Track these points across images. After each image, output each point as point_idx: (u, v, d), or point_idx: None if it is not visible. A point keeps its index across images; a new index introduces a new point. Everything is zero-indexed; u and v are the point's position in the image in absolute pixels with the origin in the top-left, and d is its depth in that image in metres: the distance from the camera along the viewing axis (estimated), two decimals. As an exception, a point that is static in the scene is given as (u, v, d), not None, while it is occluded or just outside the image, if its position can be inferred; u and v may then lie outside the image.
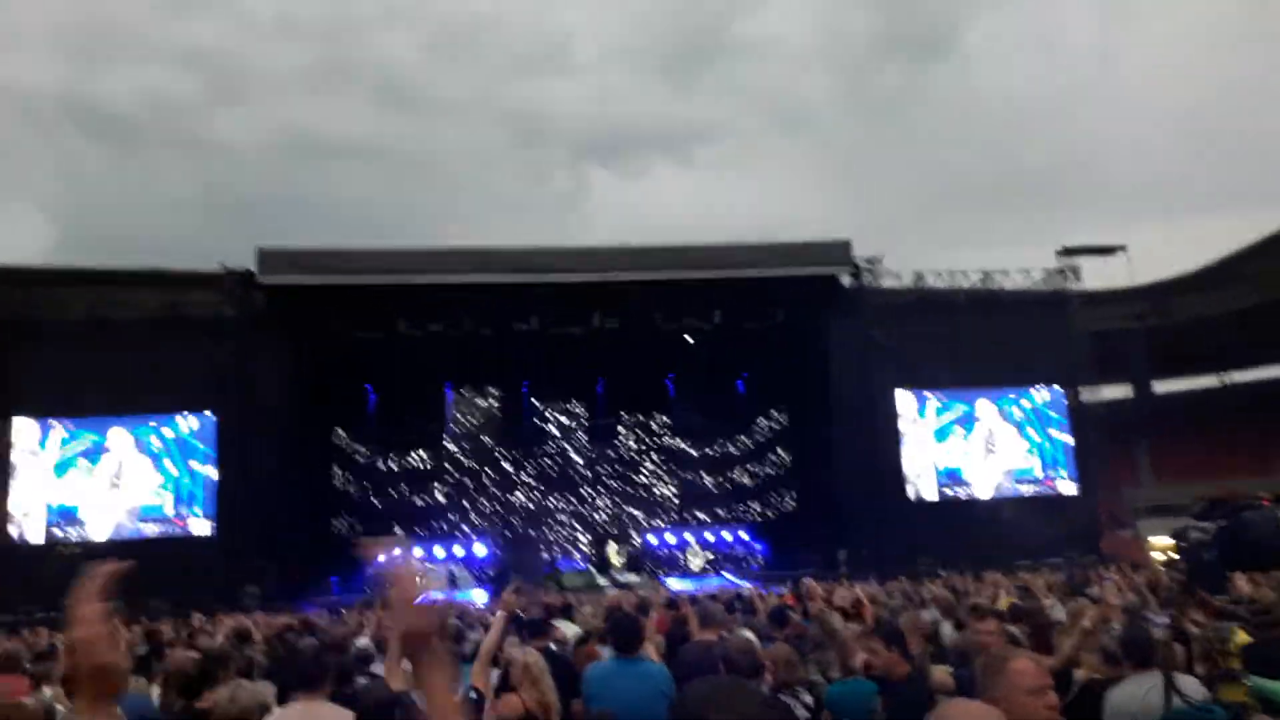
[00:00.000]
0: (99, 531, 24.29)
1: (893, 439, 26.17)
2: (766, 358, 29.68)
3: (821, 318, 26.07)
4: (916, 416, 26.86)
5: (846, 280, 26.17)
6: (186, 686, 5.10)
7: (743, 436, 36.27)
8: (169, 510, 24.69)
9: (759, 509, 34.35)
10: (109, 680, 1.45)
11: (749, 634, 6.79)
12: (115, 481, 24.68)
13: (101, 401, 24.35)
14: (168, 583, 22.03)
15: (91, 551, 23.88)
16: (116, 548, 23.94)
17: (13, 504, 24.01)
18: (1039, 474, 27.43)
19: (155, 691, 5.83)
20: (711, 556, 30.48)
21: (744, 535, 32.58)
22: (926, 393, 26.97)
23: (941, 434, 27.05)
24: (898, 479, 26.12)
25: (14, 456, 24.20)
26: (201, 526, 24.41)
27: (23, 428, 24.37)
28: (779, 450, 32.51)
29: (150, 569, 22.82)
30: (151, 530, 24.52)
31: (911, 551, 23.62)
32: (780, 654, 5.25)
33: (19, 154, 64.14)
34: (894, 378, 26.00)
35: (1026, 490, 27.12)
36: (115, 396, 24.33)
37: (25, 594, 22.32)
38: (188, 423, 24.95)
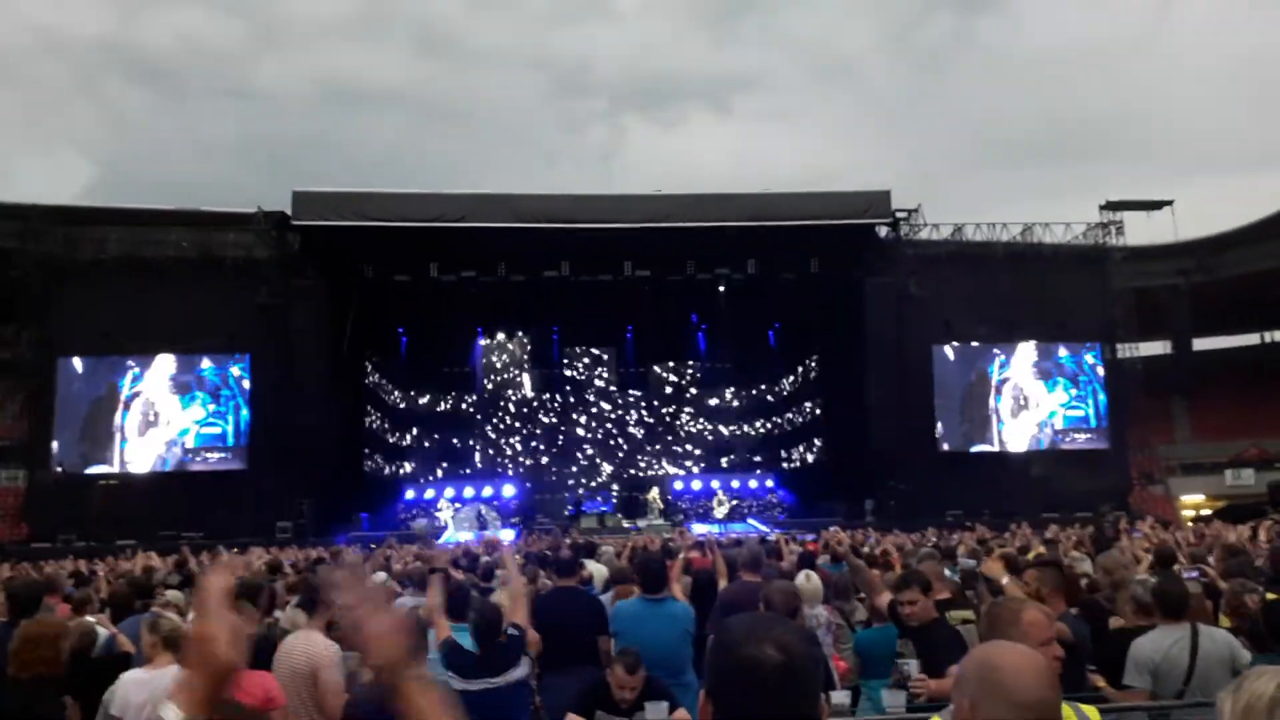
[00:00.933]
0: (137, 465, 24.94)
1: (925, 391, 26.09)
2: (800, 308, 29.52)
3: (857, 269, 25.89)
4: (950, 369, 26.76)
5: (884, 231, 25.94)
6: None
7: (773, 386, 36.29)
8: (204, 447, 25.28)
9: (787, 458, 34.50)
10: (225, 679, 1.43)
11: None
12: (152, 418, 25.26)
13: (139, 339, 24.83)
14: (202, 517, 22.77)
15: (129, 485, 24.64)
16: (154, 482, 24.67)
17: (55, 439, 24.70)
18: (1072, 429, 27.28)
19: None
20: (736, 503, 30.76)
21: (771, 484, 32.79)
22: (961, 345, 26.83)
23: (974, 387, 26.93)
24: (928, 431, 26.12)
25: (56, 392, 24.83)
26: (236, 463, 24.96)
27: (64, 365, 24.96)
28: (809, 401, 32.55)
29: (185, 503, 23.59)
30: (187, 466, 25.13)
31: (940, 504, 23.66)
32: (780, 593, 5.13)
33: (63, 98, 64.56)
34: (929, 330, 25.88)
35: (1059, 445, 27.02)
36: (152, 335, 24.79)
37: (66, 524, 23.14)
38: (223, 362, 25.39)
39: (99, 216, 26.89)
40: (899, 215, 25.69)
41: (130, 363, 25.18)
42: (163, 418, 25.30)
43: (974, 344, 26.93)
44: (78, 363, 25.00)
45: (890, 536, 14.67)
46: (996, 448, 26.90)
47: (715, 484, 30.98)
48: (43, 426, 24.64)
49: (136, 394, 25.27)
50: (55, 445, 24.59)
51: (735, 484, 32.41)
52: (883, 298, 25.32)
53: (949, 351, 26.84)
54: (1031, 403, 27.20)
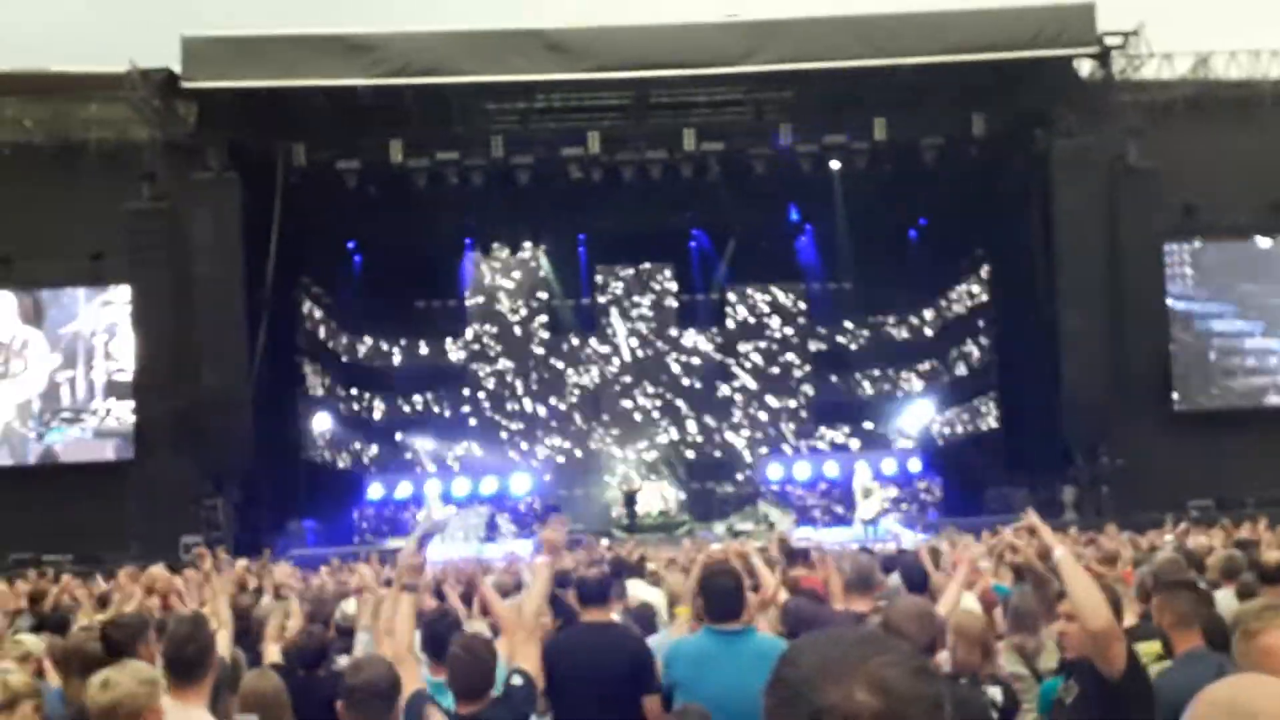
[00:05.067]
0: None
1: (1155, 319, 26.04)
2: (956, 195, 29.29)
3: (1045, 127, 25.56)
4: (1193, 283, 26.73)
5: (1086, 68, 25.66)
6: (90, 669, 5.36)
7: (915, 318, 36.16)
8: (63, 425, 25.53)
9: (939, 426, 34.15)
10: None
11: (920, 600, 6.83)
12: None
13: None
14: (69, 529, 23.03)
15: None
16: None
17: None
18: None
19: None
20: (890, 494, 30.24)
21: (914, 465, 32.50)
22: (1212, 243, 26.76)
23: (1234, 310, 26.99)
24: (1161, 381, 26.21)
25: None
26: (112, 449, 25.30)
27: None
28: (972, 336, 32.48)
29: (44, 510, 23.89)
30: (44, 456, 25.48)
31: (1178, 490, 23.52)
32: (967, 628, 5.48)
33: None
34: (1159, 220, 25.71)
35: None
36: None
37: None
38: (88, 297, 25.59)
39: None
40: (1109, 42, 25.23)
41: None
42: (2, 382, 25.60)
43: (1232, 240, 26.82)
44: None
45: (1101, 539, 14.66)
46: (1271, 403, 26.92)
47: (861, 466, 30.59)
48: None
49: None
50: None
51: (861, 466, 32.05)
52: (1085, 172, 24.96)
53: (1192, 252, 26.74)
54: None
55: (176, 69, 24.30)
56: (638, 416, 36.58)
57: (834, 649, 1.57)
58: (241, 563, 12.73)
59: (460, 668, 5.11)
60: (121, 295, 25.48)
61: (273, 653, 6.86)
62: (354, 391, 35.13)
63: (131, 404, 25.31)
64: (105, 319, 25.70)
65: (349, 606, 8.82)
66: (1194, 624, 5.44)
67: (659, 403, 36.75)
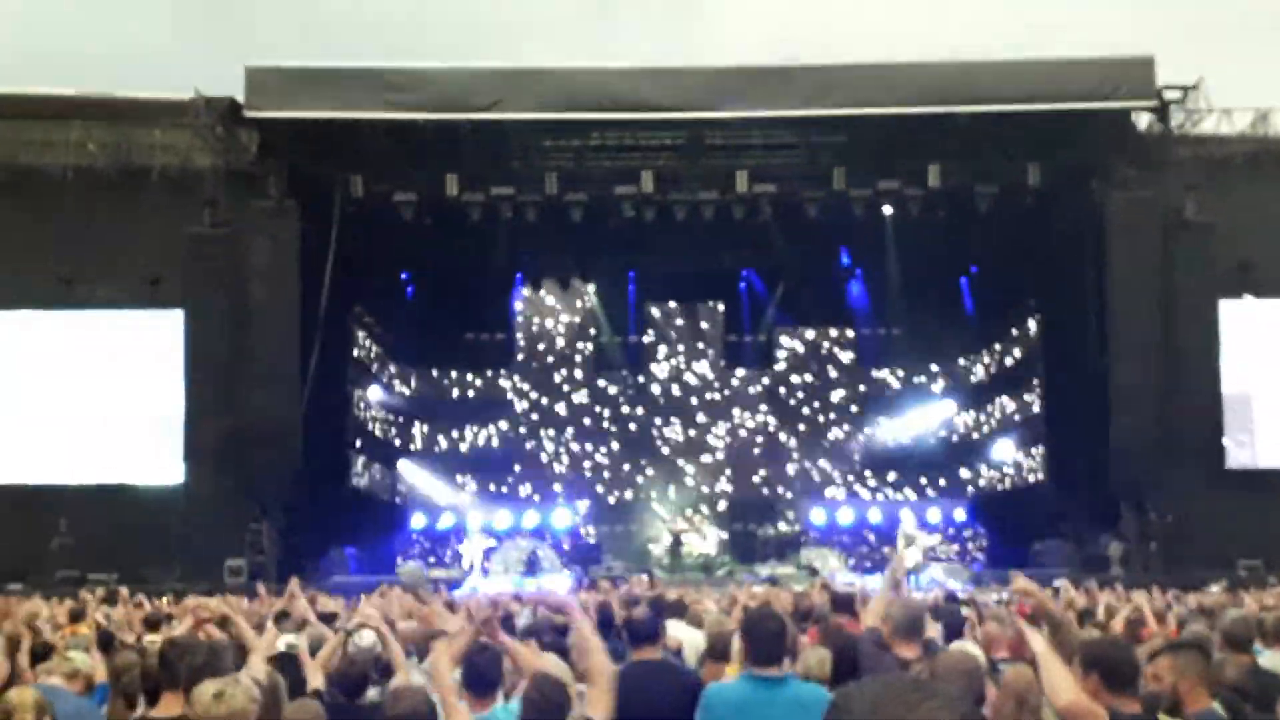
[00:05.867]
0: (21, 474, 25.72)
1: (1207, 374, 25.76)
2: (1009, 244, 29.13)
3: (1102, 182, 25.41)
4: (1250, 338, 26.56)
5: (1145, 121, 25.47)
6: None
7: (965, 363, 35.94)
8: (118, 446, 25.85)
9: (985, 474, 33.94)
10: None
11: (971, 647, 6.78)
12: (41, 405, 26.00)
13: (21, 286, 25.52)
14: (117, 550, 23.29)
15: (10, 503, 25.36)
16: (47, 499, 25.34)
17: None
18: None
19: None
20: (934, 543, 30.07)
21: (960, 515, 32.32)
22: (1266, 301, 26.57)
23: None
24: (1212, 437, 25.93)
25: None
26: (165, 471, 25.48)
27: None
28: (1021, 386, 32.25)
29: (92, 530, 24.18)
30: (92, 474, 25.77)
31: (1226, 548, 23.42)
32: (1013, 683, 5.34)
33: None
34: (1216, 275, 25.58)
35: None
36: (41, 280, 25.49)
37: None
38: (145, 321, 25.98)
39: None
40: (1168, 96, 25.01)
41: (9, 322, 25.94)
42: (57, 403, 25.95)
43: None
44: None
45: (1140, 595, 14.29)
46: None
47: (906, 513, 30.42)
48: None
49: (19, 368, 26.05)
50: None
51: (906, 513, 31.94)
52: (1141, 225, 24.83)
53: (1247, 308, 26.58)
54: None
55: (240, 98, 24.52)
56: (682, 456, 36.56)
57: (884, 695, 1.54)
58: (295, 582, 12.87)
59: (533, 708, 5.05)
60: (177, 319, 25.69)
61: (315, 679, 6.89)
62: (401, 420, 35.35)
63: (182, 427, 25.49)
64: (161, 342, 25.95)
65: (364, 639, 8.80)
66: (1203, 685, 5.43)
67: (704, 442, 36.73)
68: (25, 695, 5.31)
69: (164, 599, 15.17)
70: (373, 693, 6.88)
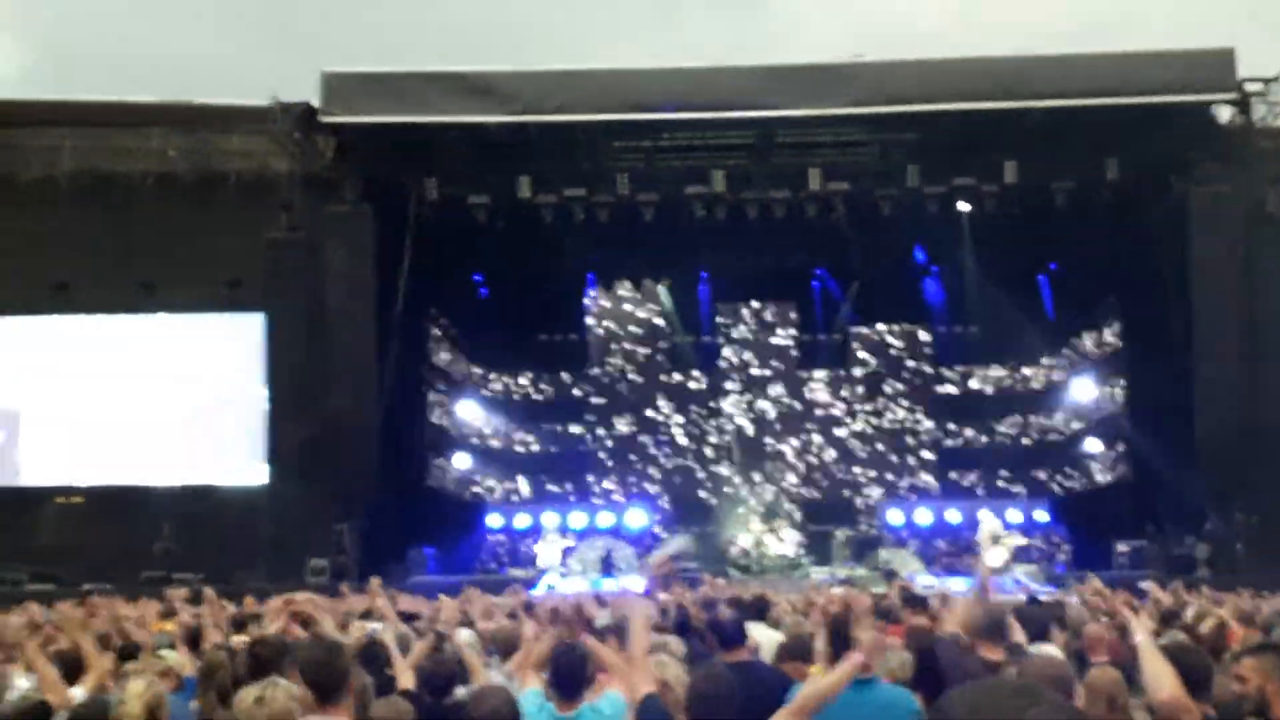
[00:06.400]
0: (108, 475, 26.20)
1: None
2: (1088, 240, 28.75)
3: (1182, 176, 25.18)
4: None
5: (1226, 114, 25.14)
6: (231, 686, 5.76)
7: (1045, 362, 35.66)
8: (202, 448, 26.33)
9: (1066, 474, 33.61)
10: None
11: (1054, 649, 6.74)
12: (124, 407, 26.54)
13: (104, 293, 26.06)
14: (202, 550, 23.71)
15: (98, 503, 25.92)
16: (132, 499, 25.87)
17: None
18: None
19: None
20: (1019, 543, 29.81)
21: (1041, 516, 31.98)
22: None
23: None
24: None
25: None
26: (247, 472, 25.92)
27: (2, 328, 26.50)
28: (1103, 384, 31.94)
29: (177, 530, 24.63)
30: (176, 476, 26.28)
31: None
32: (1101, 684, 5.27)
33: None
34: None
35: None
36: (123, 286, 26.00)
37: (12, 558, 24.52)
38: (226, 324, 26.47)
39: (42, 114, 28.09)
40: (1249, 88, 24.77)
41: (92, 325, 26.58)
42: (142, 406, 26.46)
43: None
44: (21, 325, 26.49)
45: (1231, 598, 14.07)
46: None
47: (986, 514, 30.25)
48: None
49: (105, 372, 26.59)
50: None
51: (987, 514, 31.71)
52: (1223, 219, 24.53)
53: None
54: None
55: (316, 103, 24.82)
56: (756, 456, 36.47)
57: (986, 700, 1.51)
58: (376, 581, 13.10)
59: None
60: (257, 322, 26.05)
61: (405, 679, 6.93)
62: (476, 421, 35.59)
63: (265, 429, 25.90)
64: (241, 345, 26.38)
65: (464, 636, 8.90)
66: None
67: (779, 443, 36.63)
68: (135, 689, 5.43)
69: (248, 598, 15.41)
70: (460, 692, 6.92)
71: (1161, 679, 5.06)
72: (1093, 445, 32.46)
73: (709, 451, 36.53)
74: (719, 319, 36.89)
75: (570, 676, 5.93)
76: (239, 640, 8.65)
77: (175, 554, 23.79)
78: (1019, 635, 8.00)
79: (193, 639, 9.01)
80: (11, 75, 51.98)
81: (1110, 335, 31.37)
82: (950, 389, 37.20)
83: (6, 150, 26.48)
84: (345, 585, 19.21)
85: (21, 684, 7.31)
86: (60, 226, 25.83)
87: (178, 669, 7.18)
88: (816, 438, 36.69)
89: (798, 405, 36.85)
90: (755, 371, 36.92)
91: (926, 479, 36.43)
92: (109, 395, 26.78)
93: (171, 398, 26.70)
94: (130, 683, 5.65)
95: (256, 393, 26.13)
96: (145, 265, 26.17)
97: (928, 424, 36.90)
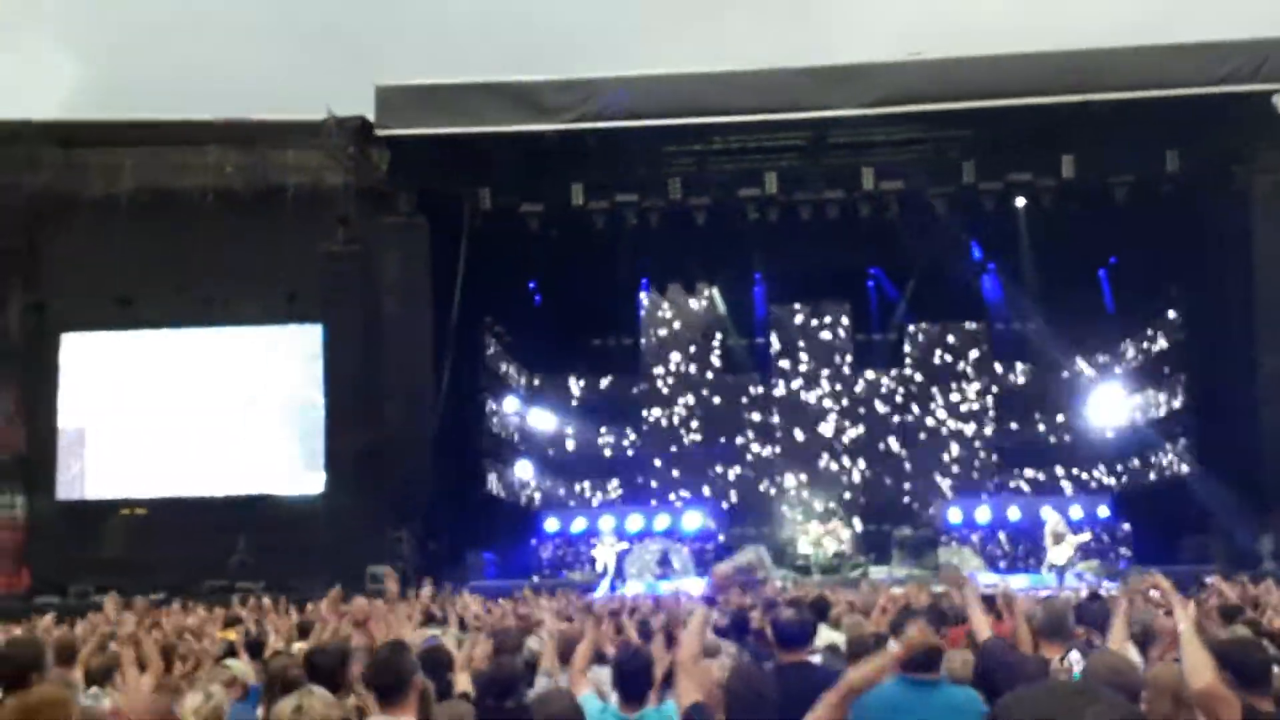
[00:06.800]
0: (173, 487, 26.59)
1: None
2: (1148, 233, 28.40)
3: (1244, 167, 24.92)
4: None
5: None
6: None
7: (1105, 356, 35.38)
8: (262, 458, 26.65)
9: (1128, 469, 33.48)
10: None
11: (1123, 646, 6.71)
12: (184, 417, 26.90)
13: (165, 306, 26.44)
14: (262, 559, 23.99)
15: (163, 514, 26.28)
16: (193, 508, 26.21)
17: (63, 447, 26.60)
18: None
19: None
20: (1083, 540, 29.59)
21: (1103, 511, 31.69)
22: None
23: None
24: None
25: (60, 381, 26.77)
26: (307, 482, 26.21)
27: (69, 345, 26.88)
28: (1163, 380, 31.68)
29: (240, 539, 24.93)
30: (236, 486, 26.61)
31: None
32: (1164, 680, 5.23)
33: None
34: None
35: None
36: (184, 299, 26.37)
37: (80, 569, 24.93)
38: (285, 336, 26.77)
39: (103, 134, 28.55)
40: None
41: (152, 338, 27.01)
42: (203, 418, 26.82)
43: None
44: (86, 341, 26.91)
45: None
46: None
47: (1049, 511, 30.05)
48: (44, 432, 26.60)
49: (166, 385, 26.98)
50: (62, 457, 26.63)
51: (1050, 511, 31.46)
52: (1286, 211, 24.22)
53: None
54: None
55: (370, 117, 25.07)
56: (813, 456, 36.38)
57: (1048, 701, 1.49)
58: (427, 591, 13.14)
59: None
60: (315, 334, 26.38)
61: (463, 682, 6.90)
62: (532, 427, 35.72)
63: (322, 438, 26.18)
64: (299, 356, 26.68)
65: (534, 643, 8.97)
66: None
67: (835, 443, 36.52)
68: (194, 700, 5.54)
69: (308, 605, 15.57)
70: (527, 695, 6.98)
71: (1199, 668, 5.02)
72: (1154, 440, 32.13)
73: (765, 453, 36.46)
74: (773, 320, 36.84)
75: (633, 679, 5.93)
76: (300, 647, 8.78)
77: (245, 565, 24.03)
78: (1081, 632, 7.97)
79: (255, 647, 9.16)
80: (74, 97, 52.78)
81: (1172, 329, 31.09)
82: (1009, 386, 36.92)
83: (70, 169, 26.84)
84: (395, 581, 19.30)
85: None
86: (122, 243, 26.19)
87: (243, 678, 7.31)
88: (874, 435, 36.54)
89: (854, 405, 36.69)
90: (810, 372, 36.80)
91: (986, 476, 36.18)
92: (170, 408, 27.11)
93: (231, 408, 27.00)
94: (187, 698, 5.76)
95: (314, 402, 26.38)
96: (205, 280, 26.45)
97: (987, 421, 36.64)
